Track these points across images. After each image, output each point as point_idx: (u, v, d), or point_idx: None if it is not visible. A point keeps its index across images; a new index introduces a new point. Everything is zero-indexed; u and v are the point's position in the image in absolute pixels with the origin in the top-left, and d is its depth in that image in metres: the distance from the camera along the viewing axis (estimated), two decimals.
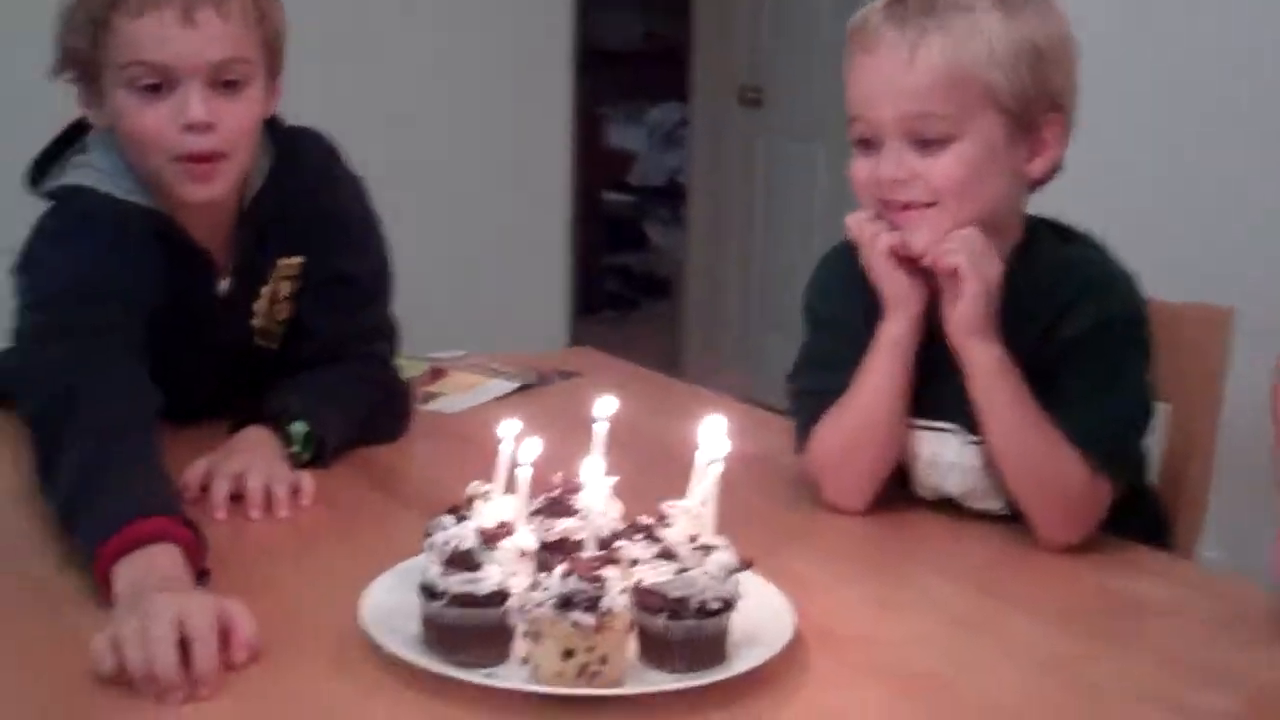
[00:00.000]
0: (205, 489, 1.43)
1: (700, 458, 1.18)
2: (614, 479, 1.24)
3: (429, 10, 3.50)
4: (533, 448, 1.16)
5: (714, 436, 1.18)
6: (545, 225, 3.75)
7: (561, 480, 1.23)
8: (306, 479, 1.46)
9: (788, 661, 1.15)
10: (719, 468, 1.18)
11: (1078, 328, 1.37)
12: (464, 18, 3.54)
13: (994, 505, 1.45)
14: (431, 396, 1.81)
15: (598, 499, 1.22)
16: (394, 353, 1.70)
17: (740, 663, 1.12)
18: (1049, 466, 1.36)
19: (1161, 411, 1.59)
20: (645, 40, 5.95)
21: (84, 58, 1.46)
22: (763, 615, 1.18)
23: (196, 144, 1.45)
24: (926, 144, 1.35)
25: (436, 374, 1.88)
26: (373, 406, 1.63)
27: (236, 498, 1.42)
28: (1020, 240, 1.44)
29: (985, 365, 1.37)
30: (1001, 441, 1.38)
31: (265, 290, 1.60)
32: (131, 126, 1.46)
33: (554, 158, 3.78)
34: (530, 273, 3.73)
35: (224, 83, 1.45)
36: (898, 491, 1.51)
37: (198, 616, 1.10)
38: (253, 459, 1.45)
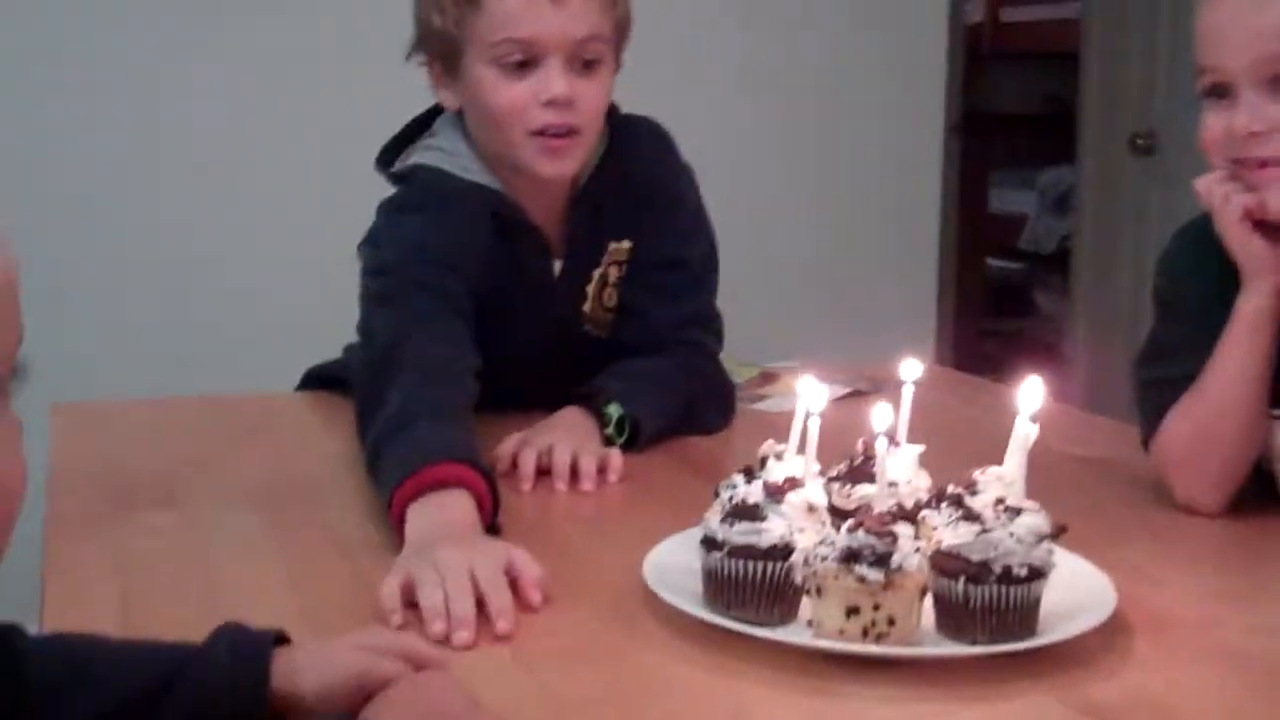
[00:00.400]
0: (515, 464, 1.43)
1: (1018, 421, 1.07)
2: (921, 447, 1.16)
3: (803, 84, 3.40)
4: (821, 395, 1.09)
5: (1031, 397, 1.07)
6: (913, 293, 3.61)
7: (864, 446, 1.15)
8: (615, 455, 1.44)
9: (1106, 641, 1.02)
10: (1034, 428, 1.07)
11: None
12: (838, 79, 3.45)
13: None
14: (760, 398, 1.75)
15: (903, 466, 1.13)
16: (719, 346, 1.66)
17: (1051, 636, 1.00)
18: None
19: None
20: (1043, 103, 5.75)
21: (447, 37, 1.51)
22: (1078, 594, 1.06)
23: (556, 119, 1.49)
24: None
25: (767, 378, 1.82)
26: (693, 397, 1.59)
27: (545, 473, 1.41)
28: None
29: None
30: None
31: (596, 274, 1.61)
32: (494, 102, 1.50)
33: (924, 225, 3.66)
34: (892, 336, 3.58)
35: (583, 62, 1.49)
36: (1259, 493, 1.33)
37: (487, 567, 1.09)
38: (564, 435, 1.44)
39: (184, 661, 0.87)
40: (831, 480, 1.13)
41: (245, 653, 0.88)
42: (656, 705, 0.96)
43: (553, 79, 1.47)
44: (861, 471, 1.13)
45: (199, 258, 2.73)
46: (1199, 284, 1.34)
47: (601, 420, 1.50)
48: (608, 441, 1.49)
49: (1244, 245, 1.27)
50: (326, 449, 1.52)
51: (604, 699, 0.97)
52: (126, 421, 1.70)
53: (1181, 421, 1.32)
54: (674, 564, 1.12)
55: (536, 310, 1.60)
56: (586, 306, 1.62)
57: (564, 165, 1.52)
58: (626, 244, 1.61)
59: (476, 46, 1.49)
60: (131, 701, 0.86)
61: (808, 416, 1.08)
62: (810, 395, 1.08)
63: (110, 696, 0.86)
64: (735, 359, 1.75)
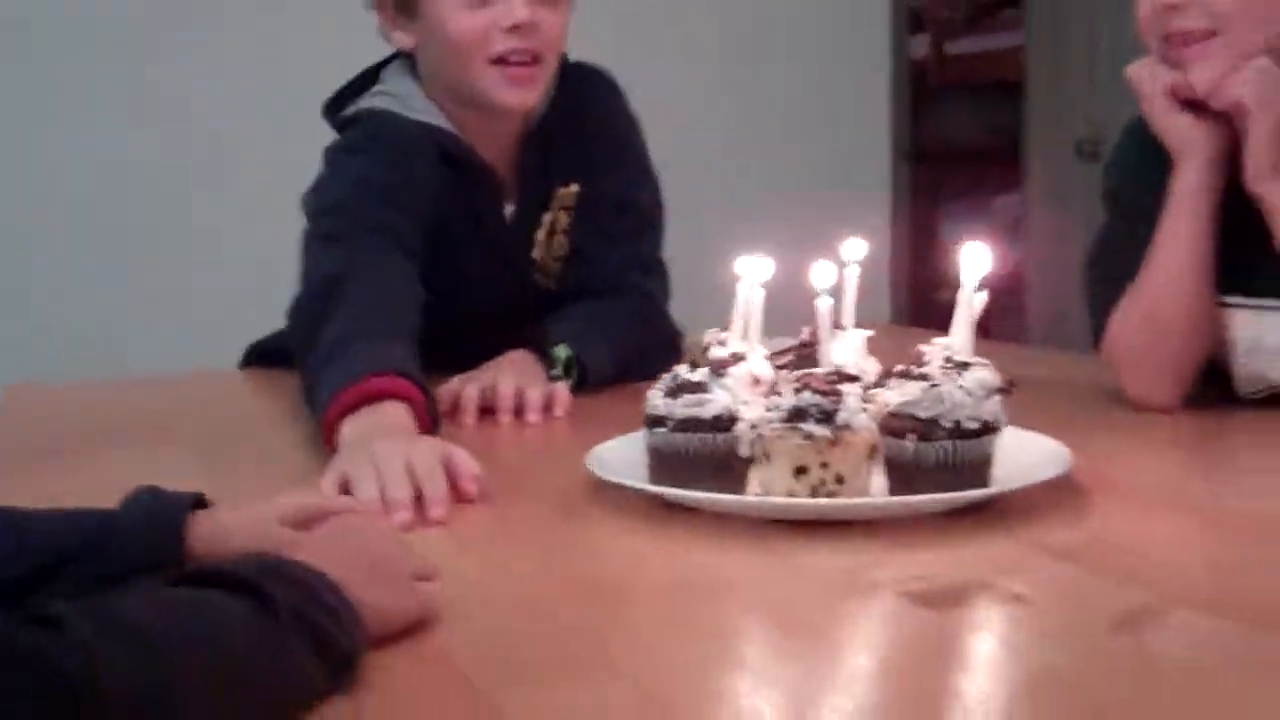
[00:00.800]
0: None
1: (963, 288, 1.05)
2: (869, 332, 1.13)
3: (748, 120, 3.40)
4: (764, 269, 1.06)
5: (975, 263, 1.05)
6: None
7: (810, 332, 1.12)
8: (562, 389, 1.40)
9: (1065, 497, 0.99)
10: (981, 296, 1.05)
11: None
12: (786, 116, 3.44)
13: None
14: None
15: (849, 350, 1.11)
16: (666, 296, 1.64)
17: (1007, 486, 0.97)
18: None
19: None
20: (990, 134, 5.79)
21: None
22: (1032, 457, 1.03)
23: (519, 44, 1.48)
24: None
25: None
26: (642, 344, 1.56)
27: (489, 411, 1.38)
28: None
29: None
30: None
31: (546, 218, 1.58)
32: (455, 30, 1.48)
33: (875, 261, 3.65)
34: None
35: None
36: (1219, 397, 1.31)
37: (424, 458, 1.06)
38: (509, 370, 1.41)
39: (98, 527, 0.83)
40: (778, 367, 1.10)
41: (160, 517, 0.84)
42: (601, 574, 0.92)
43: (515, 5, 1.47)
44: (807, 357, 1.11)
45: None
46: (1145, 179, 1.32)
47: (549, 362, 1.47)
48: (554, 381, 1.45)
49: (1170, 124, 1.26)
50: (270, 424, 1.46)
51: (545, 570, 0.93)
52: (66, 402, 1.65)
53: (1129, 313, 1.30)
54: (619, 458, 1.08)
55: (488, 255, 1.57)
56: (536, 253, 1.59)
57: (526, 94, 1.51)
58: (575, 188, 1.59)
59: None
60: (46, 568, 0.82)
61: (749, 290, 1.05)
62: (751, 270, 1.06)
63: (23, 561, 0.82)
64: None
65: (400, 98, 1.55)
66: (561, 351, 1.47)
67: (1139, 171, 1.34)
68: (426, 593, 0.79)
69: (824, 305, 1.01)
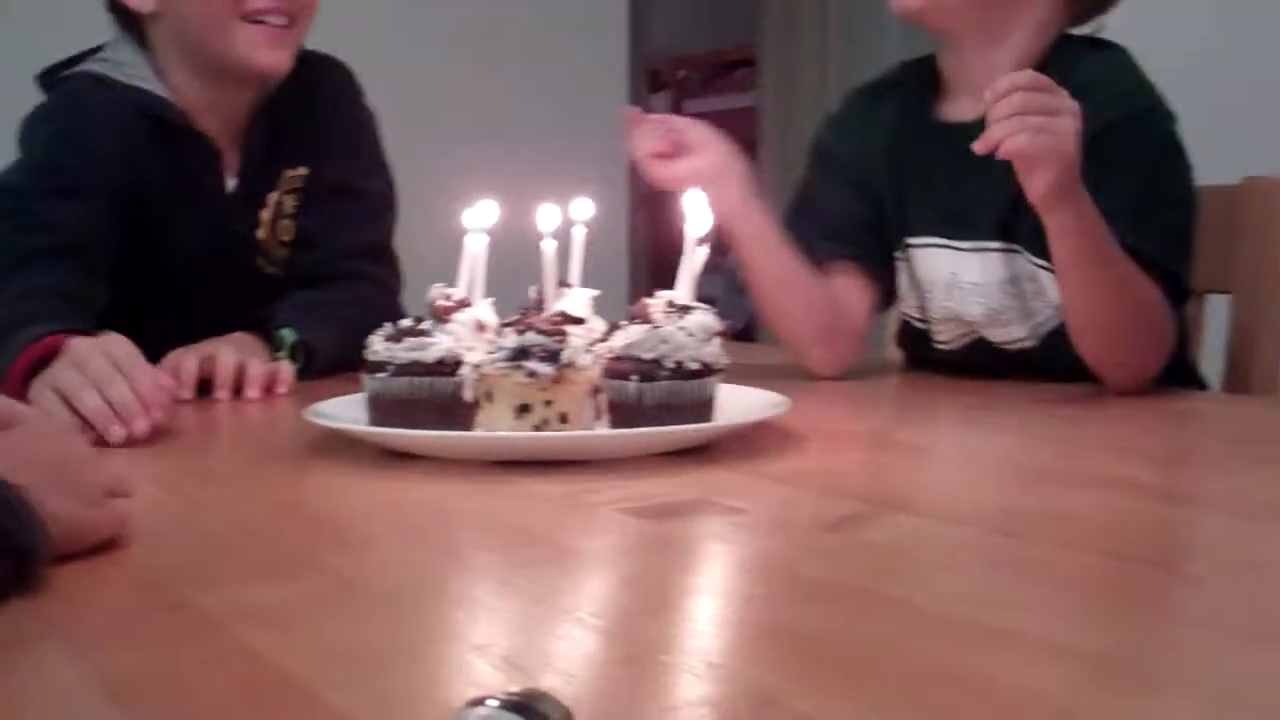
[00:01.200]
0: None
1: (685, 242, 1.07)
2: (596, 291, 1.13)
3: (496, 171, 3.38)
4: (489, 211, 1.05)
5: (696, 214, 1.07)
6: None
7: (537, 292, 1.12)
8: (285, 367, 1.36)
9: (779, 436, 1.01)
10: (703, 249, 1.06)
11: (1104, 121, 1.22)
12: (527, 167, 3.43)
13: (1019, 333, 1.32)
14: None
15: (577, 307, 1.10)
16: (399, 285, 1.61)
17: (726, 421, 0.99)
18: (1144, 311, 1.22)
19: (1221, 302, 1.45)
20: None
21: None
22: (751, 403, 1.05)
23: (275, 3, 1.45)
24: None
25: None
26: (372, 331, 1.53)
27: (207, 383, 1.33)
28: (1046, 48, 1.34)
29: (1070, 226, 1.17)
30: (1093, 302, 1.21)
31: (271, 199, 1.54)
32: None
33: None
34: None
35: None
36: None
37: (119, 348, 1.07)
38: (230, 346, 1.36)
39: None
40: (505, 325, 1.09)
41: None
42: (318, 507, 0.89)
43: None
44: (535, 316, 1.10)
45: None
46: (851, 144, 1.42)
47: (274, 345, 1.42)
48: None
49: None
50: None
51: (256, 502, 0.89)
52: None
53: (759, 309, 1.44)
54: (340, 411, 1.05)
55: (208, 228, 1.52)
56: (261, 233, 1.54)
57: (279, 54, 1.47)
58: (303, 170, 1.56)
59: None
60: None
61: (474, 240, 1.04)
62: (477, 217, 1.05)
63: None
64: None
65: (115, 63, 1.50)
66: (288, 335, 1.43)
67: (850, 137, 1.45)
68: (119, 508, 0.74)
69: (548, 248, 1.01)
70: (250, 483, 0.96)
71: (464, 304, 1.03)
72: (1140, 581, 0.67)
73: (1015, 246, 1.31)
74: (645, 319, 1.03)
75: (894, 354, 1.58)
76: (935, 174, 1.38)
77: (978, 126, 1.19)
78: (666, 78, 5.65)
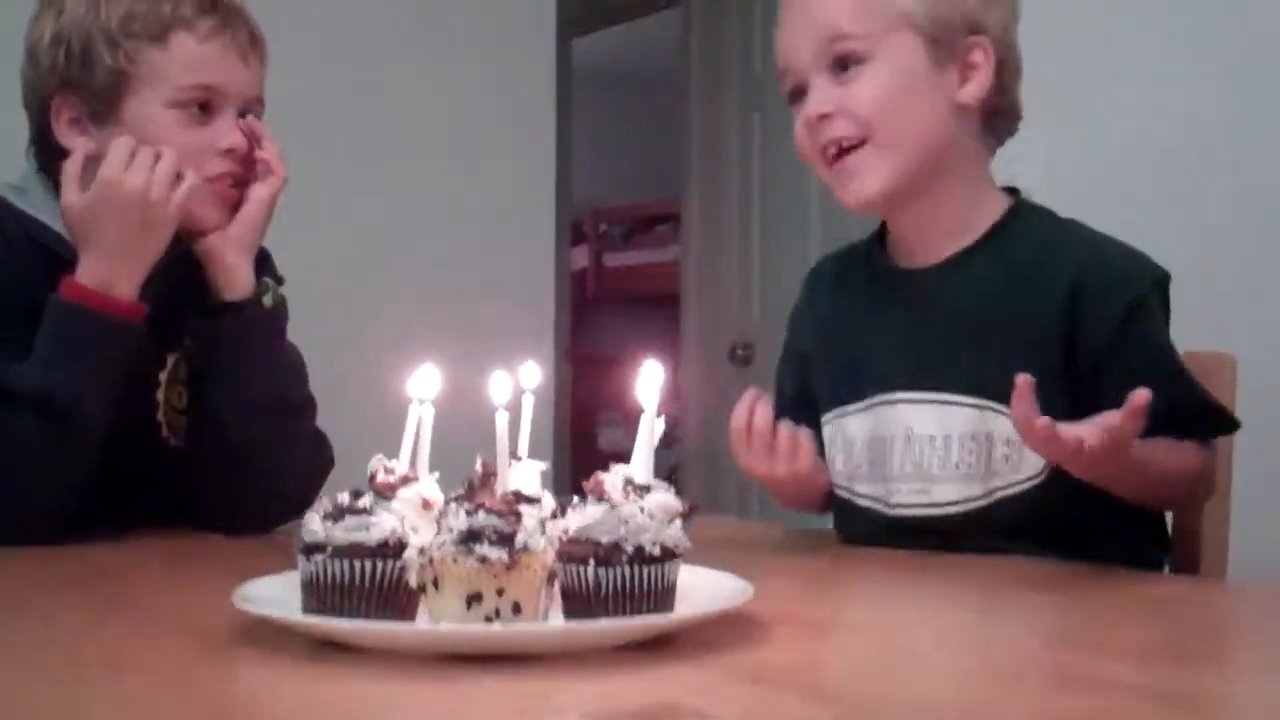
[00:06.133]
0: None
1: (643, 415, 1.02)
2: (544, 463, 1.08)
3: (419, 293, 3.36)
4: (433, 381, 1.00)
5: (652, 386, 1.02)
6: None
7: (483, 464, 1.06)
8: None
9: (743, 624, 0.95)
10: (660, 421, 1.01)
11: (1109, 329, 1.27)
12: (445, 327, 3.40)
13: (974, 490, 1.31)
14: None
15: (526, 481, 1.04)
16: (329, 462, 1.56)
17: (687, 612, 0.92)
18: (1182, 481, 1.28)
19: None
20: (646, 343, 5.96)
21: (115, 74, 1.41)
22: (713, 585, 0.99)
23: (232, 168, 1.45)
24: (844, 69, 1.32)
25: None
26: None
27: None
28: (1004, 213, 1.38)
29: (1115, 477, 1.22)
30: (1129, 495, 1.27)
31: (171, 359, 1.47)
32: (170, 144, 1.41)
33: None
34: None
35: (244, 117, 1.47)
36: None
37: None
38: None
39: None
40: (449, 501, 1.03)
41: None
42: (249, 711, 0.81)
43: (231, 130, 1.44)
44: (482, 487, 1.04)
45: None
46: (797, 326, 1.52)
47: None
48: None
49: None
50: None
51: (177, 706, 0.81)
52: None
53: None
54: (272, 595, 0.98)
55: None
56: (160, 395, 1.47)
57: (224, 214, 1.46)
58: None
59: (155, 87, 1.42)
60: None
61: (420, 405, 0.99)
62: (421, 384, 0.99)
63: None
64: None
65: (26, 192, 1.45)
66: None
67: (794, 322, 1.52)
68: None
69: (501, 421, 0.95)
70: (172, 674, 0.88)
71: (407, 479, 0.97)
72: None
73: (992, 405, 1.28)
74: (600, 495, 0.98)
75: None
76: (892, 324, 1.38)
77: (933, 272, 1.33)
78: (587, 230, 5.69)
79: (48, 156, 1.46)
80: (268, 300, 1.45)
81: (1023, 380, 1.12)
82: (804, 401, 1.46)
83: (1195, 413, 1.28)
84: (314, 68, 2.92)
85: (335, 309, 2.88)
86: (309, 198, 2.88)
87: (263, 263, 1.51)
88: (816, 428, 1.43)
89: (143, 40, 1.41)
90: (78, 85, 1.42)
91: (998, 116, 1.38)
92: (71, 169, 1.39)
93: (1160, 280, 1.32)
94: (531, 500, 0.94)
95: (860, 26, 1.32)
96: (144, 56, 1.41)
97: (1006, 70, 1.36)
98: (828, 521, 1.51)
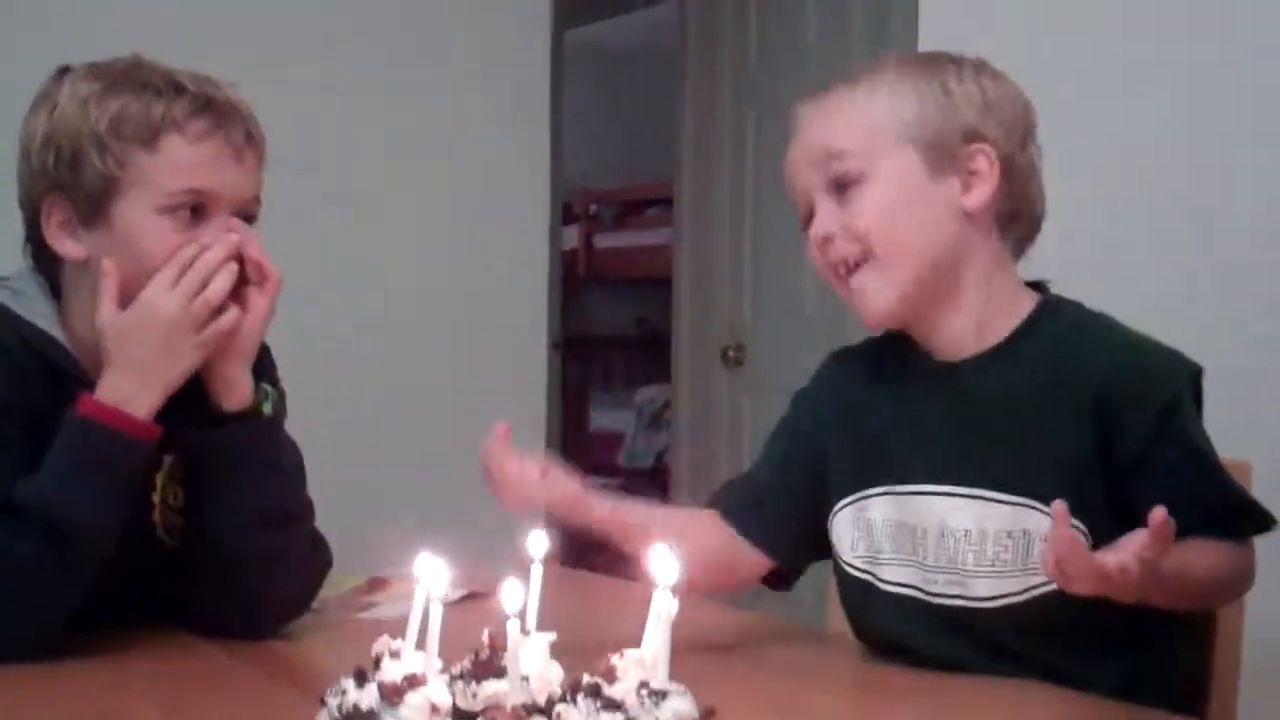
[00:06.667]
0: None
1: (655, 595, 0.99)
2: (552, 635, 1.05)
3: (408, 302, 3.34)
4: (440, 572, 0.97)
5: (664, 566, 0.99)
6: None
7: (489, 637, 1.03)
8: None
9: None
10: (673, 602, 0.98)
11: (1144, 434, 1.25)
12: (440, 310, 3.39)
13: (1011, 587, 1.28)
14: (368, 605, 1.60)
15: (535, 657, 1.02)
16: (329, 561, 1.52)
17: None
18: (1219, 587, 1.26)
19: None
20: (637, 326, 5.95)
21: (104, 178, 1.35)
22: None
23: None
24: (845, 190, 1.33)
25: (375, 585, 1.67)
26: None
27: None
28: (1030, 312, 1.36)
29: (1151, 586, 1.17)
30: (1167, 603, 1.23)
31: (168, 460, 1.43)
32: (159, 250, 1.36)
33: (530, 445, 3.56)
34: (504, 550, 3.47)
35: (244, 219, 1.41)
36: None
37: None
38: None
39: None
40: (455, 679, 1.00)
41: None
42: None
43: (225, 234, 1.38)
44: (488, 666, 1.01)
45: None
46: (810, 410, 1.47)
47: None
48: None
49: None
50: None
51: None
52: None
53: None
54: None
55: None
56: (156, 497, 1.43)
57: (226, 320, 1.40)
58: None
59: (144, 191, 1.36)
60: None
61: (428, 602, 0.96)
62: (431, 576, 0.96)
63: None
64: (338, 569, 1.59)
65: (22, 295, 1.40)
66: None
67: (805, 400, 1.49)
68: None
69: (514, 630, 0.92)
70: None
71: (414, 681, 0.94)
72: None
73: (1030, 502, 1.27)
74: (610, 678, 0.95)
75: (835, 623, 1.52)
76: (922, 417, 1.37)
77: (962, 368, 1.33)
78: (578, 210, 5.64)
79: (42, 255, 1.42)
80: (267, 409, 1.41)
81: (1060, 507, 1.11)
82: (786, 487, 1.46)
83: (1232, 512, 1.26)
84: (306, 56, 2.94)
85: (328, 297, 2.87)
86: (302, 184, 2.88)
87: (262, 356, 1.46)
88: (795, 508, 1.45)
89: (132, 143, 1.35)
90: (67, 188, 1.37)
91: (1013, 221, 1.36)
92: (108, 289, 1.35)
93: (1193, 376, 1.30)
94: (543, 713, 0.91)
95: (855, 144, 1.32)
96: (133, 160, 1.36)
97: (1014, 176, 1.34)
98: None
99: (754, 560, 1.45)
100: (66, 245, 1.38)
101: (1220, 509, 1.24)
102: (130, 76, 1.38)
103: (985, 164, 1.32)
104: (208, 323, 1.35)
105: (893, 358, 1.42)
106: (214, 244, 1.36)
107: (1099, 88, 2.10)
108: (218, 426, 1.39)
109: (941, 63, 1.36)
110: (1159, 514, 1.07)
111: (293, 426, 1.49)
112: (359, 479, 2.63)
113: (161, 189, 1.36)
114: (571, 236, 5.61)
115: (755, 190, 3.96)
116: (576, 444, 5.09)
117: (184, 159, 1.36)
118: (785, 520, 1.45)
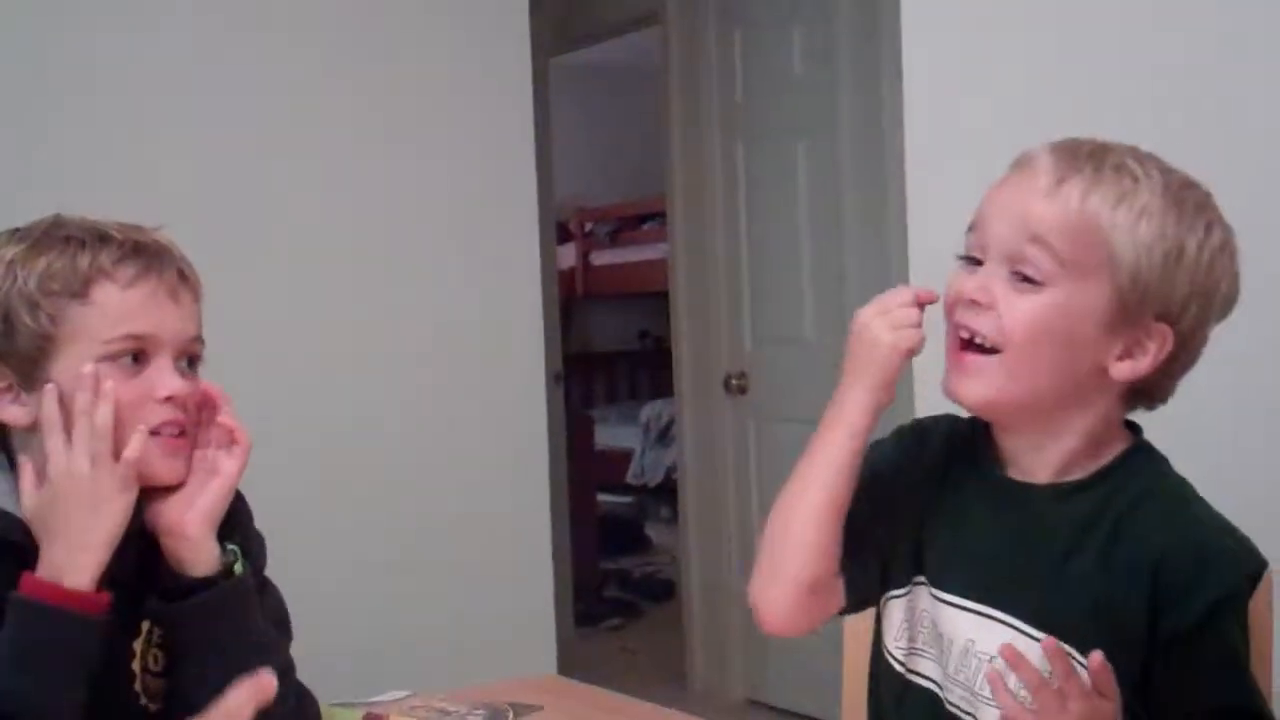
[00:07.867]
0: None
1: None
2: None
3: (403, 339, 3.31)
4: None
5: None
6: (529, 544, 3.47)
7: None
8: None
9: None
10: None
11: (1189, 623, 1.19)
12: (436, 333, 3.36)
13: None
14: None
15: None
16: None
17: None
18: None
19: None
20: (639, 340, 5.91)
21: (39, 337, 1.31)
22: None
23: (176, 415, 1.35)
24: (1022, 281, 1.22)
25: None
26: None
27: None
28: (1116, 457, 1.28)
29: None
30: None
31: (145, 626, 1.39)
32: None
33: (533, 469, 3.54)
34: (513, 593, 3.42)
35: (188, 359, 1.37)
36: None
37: None
38: None
39: None
40: None
41: None
42: None
43: (168, 376, 1.34)
44: None
45: None
46: (894, 460, 1.35)
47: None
48: None
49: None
50: None
51: None
52: None
53: (773, 512, 1.31)
54: None
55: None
56: (135, 665, 1.39)
57: (177, 464, 1.36)
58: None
59: (81, 344, 1.32)
60: None
61: None
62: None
63: None
64: (330, 701, 1.54)
65: None
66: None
67: (893, 447, 1.36)
68: None
69: None
70: None
71: None
72: None
73: (1064, 645, 1.20)
74: None
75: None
76: (977, 527, 1.30)
77: (1035, 492, 1.26)
78: (573, 229, 5.60)
79: None
80: (238, 569, 1.35)
81: (1098, 661, 1.11)
82: (872, 495, 1.35)
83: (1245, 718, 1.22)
84: (295, 78, 2.88)
85: (317, 320, 2.79)
86: (294, 205, 2.86)
87: (236, 506, 1.42)
88: (868, 512, 1.34)
89: (63, 297, 1.31)
90: (3, 355, 1.33)
91: (1142, 394, 1.28)
92: (25, 474, 1.31)
93: (1254, 574, 1.25)
94: None
95: (1063, 246, 1.21)
96: (66, 315, 1.31)
97: (1176, 363, 1.26)
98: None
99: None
100: (11, 412, 1.34)
101: (1238, 717, 1.21)
102: (52, 235, 1.34)
103: (1157, 345, 1.23)
104: (118, 462, 1.30)
105: (968, 453, 1.34)
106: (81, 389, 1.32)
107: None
108: (186, 596, 1.35)
109: (1202, 209, 1.25)
110: (1095, 657, 1.10)
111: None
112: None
113: (99, 339, 1.31)
114: (569, 255, 5.57)
115: (748, 215, 3.96)
116: (583, 461, 5.06)
117: (117, 305, 1.32)
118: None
